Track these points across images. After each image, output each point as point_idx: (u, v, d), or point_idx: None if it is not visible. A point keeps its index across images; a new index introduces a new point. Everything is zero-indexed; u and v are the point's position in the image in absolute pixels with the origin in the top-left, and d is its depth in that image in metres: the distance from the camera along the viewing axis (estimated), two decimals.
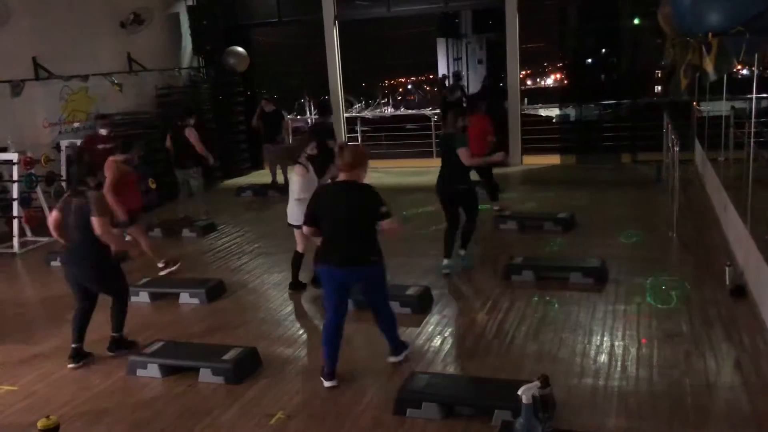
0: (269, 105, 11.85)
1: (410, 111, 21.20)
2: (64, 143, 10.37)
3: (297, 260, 6.71)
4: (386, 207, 4.58)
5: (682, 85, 7.39)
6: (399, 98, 32.53)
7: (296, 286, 6.77)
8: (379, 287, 4.79)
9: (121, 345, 5.56)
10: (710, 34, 5.79)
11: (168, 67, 12.82)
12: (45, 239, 9.35)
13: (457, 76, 15.78)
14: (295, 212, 6.35)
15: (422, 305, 6.00)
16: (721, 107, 9.42)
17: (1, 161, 9.19)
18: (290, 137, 12.83)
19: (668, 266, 6.72)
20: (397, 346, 5.01)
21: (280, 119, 11.96)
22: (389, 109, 28.37)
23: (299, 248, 6.65)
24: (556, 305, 5.91)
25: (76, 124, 11.16)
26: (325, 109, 10.66)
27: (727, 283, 5.92)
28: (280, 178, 11.84)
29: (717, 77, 6.54)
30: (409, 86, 34.67)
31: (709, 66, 6.02)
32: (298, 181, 6.38)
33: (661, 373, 4.61)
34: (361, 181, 4.64)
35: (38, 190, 9.33)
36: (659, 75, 15.34)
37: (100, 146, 9.05)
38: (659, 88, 15.55)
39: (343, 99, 14.06)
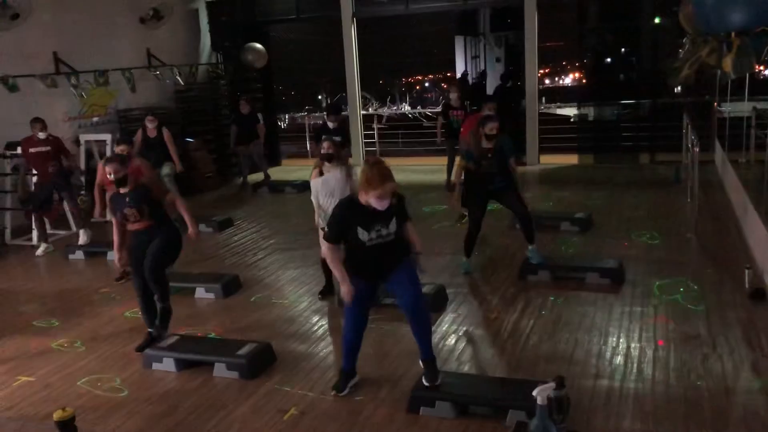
0: (246, 107, 11.74)
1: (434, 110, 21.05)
2: (83, 137, 10.47)
3: None
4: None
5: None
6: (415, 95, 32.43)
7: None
8: None
9: None
10: (733, 34, 5.73)
11: (187, 63, 12.88)
12: (63, 232, 9.44)
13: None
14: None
15: (437, 304, 5.98)
16: (743, 108, 9.30)
17: (21, 155, 9.28)
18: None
19: (686, 268, 6.64)
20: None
21: (256, 122, 11.76)
22: (406, 107, 28.30)
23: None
24: (572, 306, 5.87)
25: (95, 119, 11.26)
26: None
27: (747, 285, 5.84)
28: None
29: (736, 76, 6.45)
30: (426, 84, 34.60)
31: (727, 65, 5.94)
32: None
33: (677, 375, 4.56)
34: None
35: None
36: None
37: (33, 150, 8.58)
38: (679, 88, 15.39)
39: (359, 96, 14.04)
